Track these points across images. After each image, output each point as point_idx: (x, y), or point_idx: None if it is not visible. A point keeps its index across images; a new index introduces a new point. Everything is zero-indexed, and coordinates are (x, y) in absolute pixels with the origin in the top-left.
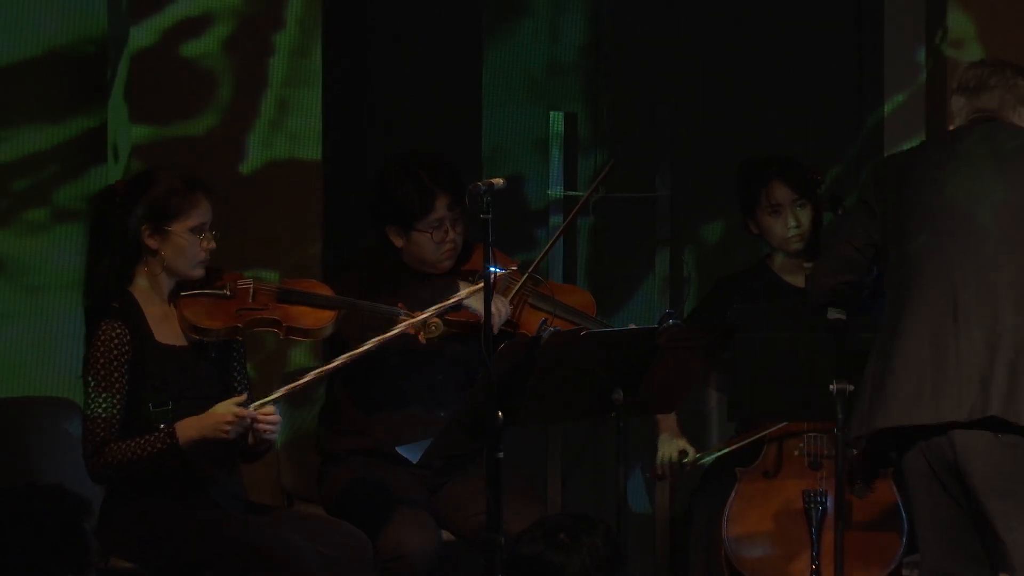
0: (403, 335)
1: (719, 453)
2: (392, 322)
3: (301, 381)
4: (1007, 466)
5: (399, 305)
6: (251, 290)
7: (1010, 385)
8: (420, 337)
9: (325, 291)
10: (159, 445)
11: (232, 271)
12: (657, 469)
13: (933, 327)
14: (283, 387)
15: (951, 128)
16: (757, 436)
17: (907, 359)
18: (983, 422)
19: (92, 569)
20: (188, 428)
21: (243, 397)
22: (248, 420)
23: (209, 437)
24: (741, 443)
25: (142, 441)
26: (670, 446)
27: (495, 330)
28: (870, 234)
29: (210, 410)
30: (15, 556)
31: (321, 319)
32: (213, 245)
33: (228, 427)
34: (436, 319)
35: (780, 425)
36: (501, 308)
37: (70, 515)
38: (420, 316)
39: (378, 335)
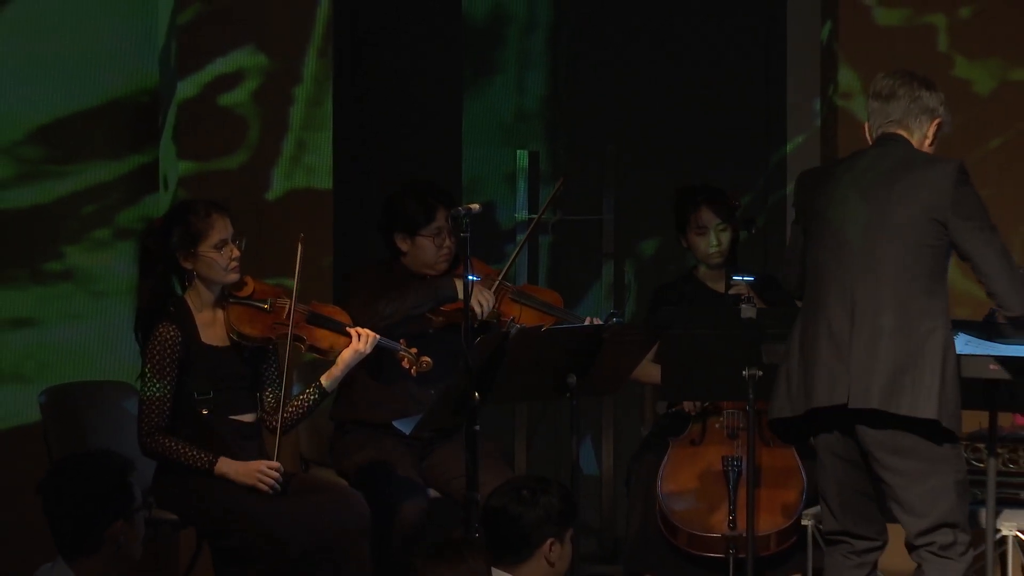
0: (397, 353)
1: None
2: (393, 354)
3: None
4: (896, 435)
5: (401, 342)
6: (287, 309)
7: (890, 381)
8: (412, 371)
9: (345, 318)
10: (198, 464)
11: (276, 287)
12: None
13: (835, 327)
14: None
15: (857, 152)
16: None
17: (817, 355)
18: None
19: (138, 514)
20: (228, 466)
21: (277, 464)
22: (277, 475)
23: (243, 482)
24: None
25: (188, 453)
26: None
27: (484, 316)
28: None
29: (251, 462)
30: (78, 505)
31: (336, 343)
32: (237, 253)
33: (260, 474)
34: (427, 358)
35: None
36: (483, 302)
37: (123, 473)
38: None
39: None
